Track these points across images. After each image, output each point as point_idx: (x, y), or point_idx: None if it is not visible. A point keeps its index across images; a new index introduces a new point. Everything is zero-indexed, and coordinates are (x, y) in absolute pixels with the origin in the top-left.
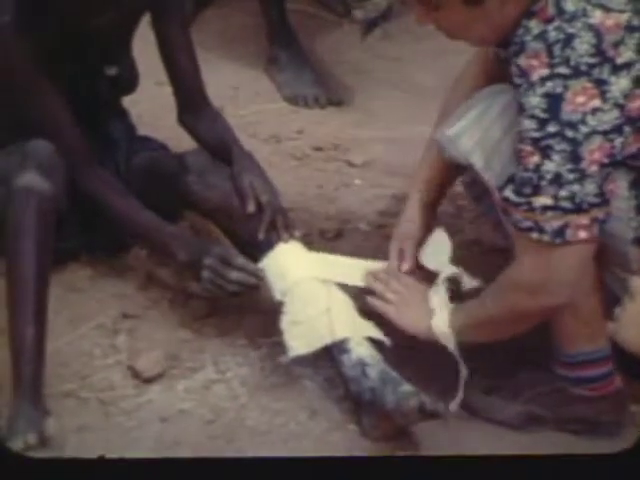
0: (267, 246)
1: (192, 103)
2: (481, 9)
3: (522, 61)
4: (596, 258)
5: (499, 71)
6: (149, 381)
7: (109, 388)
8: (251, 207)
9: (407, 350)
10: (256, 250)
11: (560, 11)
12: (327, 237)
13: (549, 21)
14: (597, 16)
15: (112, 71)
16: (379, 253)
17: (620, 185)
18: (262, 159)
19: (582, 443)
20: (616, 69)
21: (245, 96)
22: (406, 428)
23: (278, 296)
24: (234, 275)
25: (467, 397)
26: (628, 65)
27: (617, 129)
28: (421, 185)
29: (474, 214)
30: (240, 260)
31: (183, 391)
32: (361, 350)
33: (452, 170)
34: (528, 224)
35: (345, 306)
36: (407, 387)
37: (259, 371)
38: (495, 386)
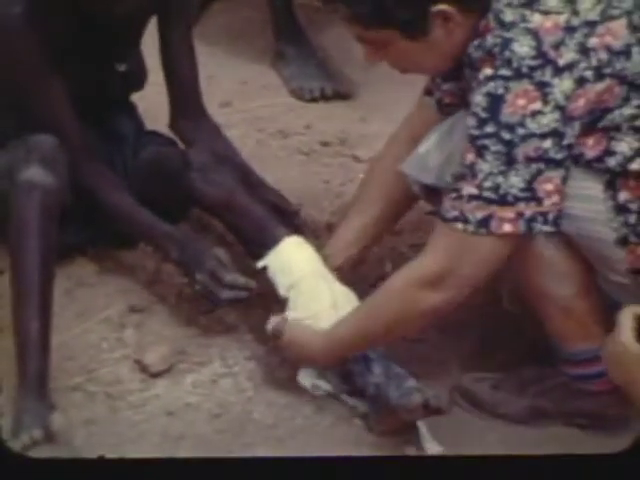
0: (271, 242)
1: (189, 111)
2: (428, 42)
3: (472, 67)
4: (584, 261)
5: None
6: (156, 375)
7: (116, 382)
8: (292, 205)
9: (412, 344)
10: (260, 246)
11: (500, 22)
12: (333, 232)
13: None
14: (535, 20)
15: (122, 68)
16: (385, 248)
17: (594, 187)
18: (269, 154)
19: (589, 438)
20: (558, 71)
21: (252, 91)
22: (411, 423)
23: (282, 292)
24: (224, 294)
25: (475, 392)
26: (570, 66)
27: (555, 132)
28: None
29: None
30: (230, 277)
31: (190, 385)
32: None
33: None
34: (454, 214)
35: (350, 301)
36: (411, 382)
37: (265, 366)
38: (502, 381)
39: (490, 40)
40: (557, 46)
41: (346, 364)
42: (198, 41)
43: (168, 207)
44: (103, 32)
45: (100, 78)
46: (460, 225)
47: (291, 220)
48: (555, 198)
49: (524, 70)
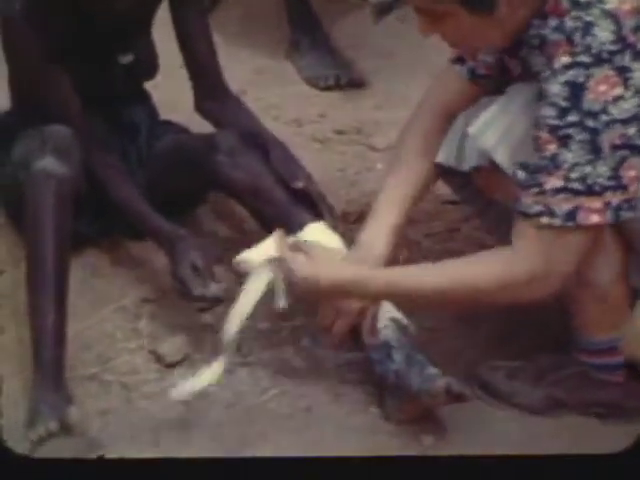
0: (295, 228)
1: (213, 91)
2: (490, 18)
3: (544, 51)
4: (625, 247)
5: (477, 89)
6: (171, 365)
7: (132, 372)
8: (300, 183)
9: (429, 333)
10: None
11: (574, 3)
12: (349, 220)
13: (564, 14)
14: (612, 1)
15: (127, 59)
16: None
17: None
18: (284, 142)
19: (605, 427)
20: (637, 55)
21: (267, 80)
22: (430, 411)
23: None
24: (196, 304)
25: (490, 381)
26: None
27: (636, 117)
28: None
29: None
30: (197, 291)
31: None
32: (387, 333)
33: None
34: (538, 208)
35: None
36: (433, 370)
37: (281, 355)
38: (518, 370)
39: (570, 23)
40: (636, 30)
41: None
42: (212, 31)
43: (186, 194)
44: (103, 29)
45: (102, 77)
46: (546, 219)
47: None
48: (637, 184)
49: (604, 55)
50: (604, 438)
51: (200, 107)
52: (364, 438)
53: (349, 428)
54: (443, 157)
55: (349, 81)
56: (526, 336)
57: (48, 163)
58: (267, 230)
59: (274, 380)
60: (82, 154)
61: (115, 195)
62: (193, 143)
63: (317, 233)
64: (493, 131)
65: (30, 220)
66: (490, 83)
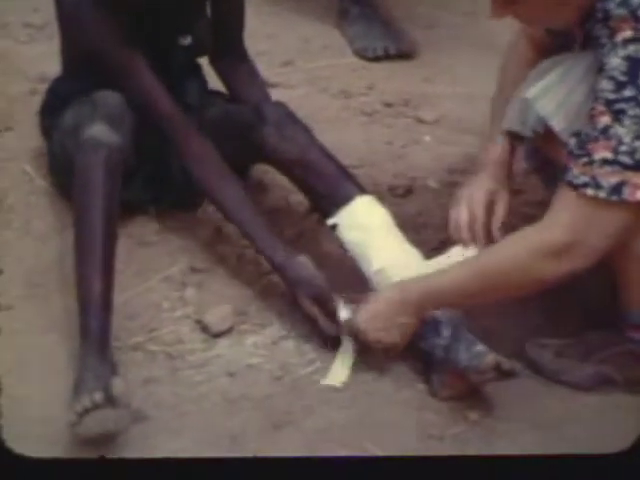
0: (343, 200)
1: (230, 51)
2: None
3: (609, 23)
4: None
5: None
6: (218, 336)
7: (177, 342)
8: None
9: (479, 310)
10: (331, 204)
11: None
12: (396, 194)
13: None
14: None
15: (186, 41)
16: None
17: None
18: (331, 114)
19: None
20: None
21: (315, 50)
22: (478, 387)
23: (352, 250)
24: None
25: (538, 359)
26: None
27: None
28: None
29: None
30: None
31: (251, 346)
32: None
33: None
34: (584, 179)
35: (419, 263)
36: (481, 346)
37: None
38: (565, 347)
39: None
40: None
41: None
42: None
43: (237, 163)
44: (167, 12)
45: (163, 59)
46: (591, 191)
47: None
48: None
49: None
50: None
51: (214, 62)
52: (410, 414)
53: (394, 403)
54: (508, 123)
55: (398, 52)
56: (574, 313)
57: (98, 131)
58: (315, 202)
59: (320, 352)
60: (133, 121)
61: (218, 197)
62: (241, 115)
63: (365, 206)
64: (551, 98)
65: (79, 188)
66: (559, 39)
